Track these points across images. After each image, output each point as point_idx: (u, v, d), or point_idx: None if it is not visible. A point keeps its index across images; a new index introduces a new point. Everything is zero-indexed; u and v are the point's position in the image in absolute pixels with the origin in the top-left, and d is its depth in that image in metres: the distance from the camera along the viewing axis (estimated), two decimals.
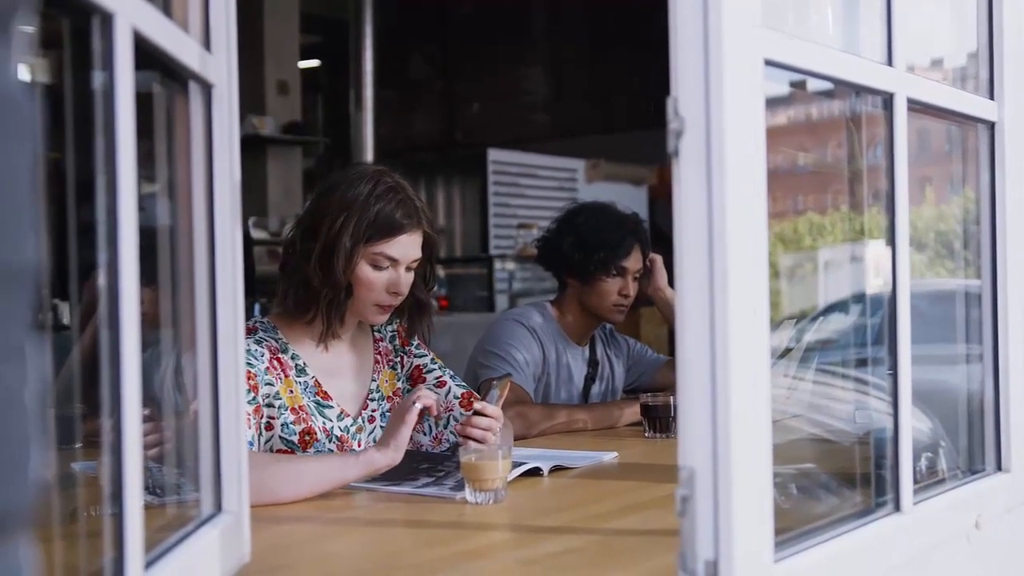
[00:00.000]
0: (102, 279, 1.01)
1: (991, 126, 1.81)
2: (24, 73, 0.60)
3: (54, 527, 1.13)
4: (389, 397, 2.37)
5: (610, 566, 1.51)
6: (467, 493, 1.87)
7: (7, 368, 0.57)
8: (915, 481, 1.54)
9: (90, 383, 1.12)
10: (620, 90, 9.14)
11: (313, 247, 2.17)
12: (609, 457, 2.36)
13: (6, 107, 0.57)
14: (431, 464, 2.15)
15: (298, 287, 2.20)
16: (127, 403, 1.01)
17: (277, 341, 2.22)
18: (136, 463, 1.02)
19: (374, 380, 2.35)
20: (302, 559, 1.61)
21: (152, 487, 1.36)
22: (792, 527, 1.34)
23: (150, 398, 1.17)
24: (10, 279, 0.57)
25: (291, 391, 2.19)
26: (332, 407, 2.24)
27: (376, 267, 2.19)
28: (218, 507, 1.37)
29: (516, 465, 2.05)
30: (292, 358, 2.23)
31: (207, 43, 1.35)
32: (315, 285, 2.17)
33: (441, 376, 2.41)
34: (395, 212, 2.18)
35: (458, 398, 2.36)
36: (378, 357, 2.38)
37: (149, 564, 1.09)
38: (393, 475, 2.05)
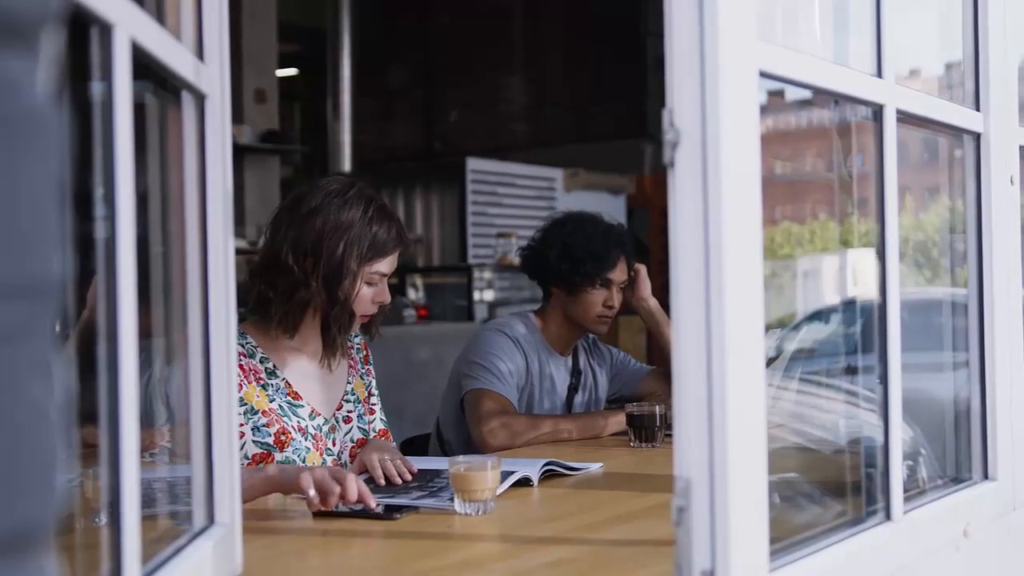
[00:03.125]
0: (100, 289, 1.00)
1: (977, 137, 1.82)
2: (50, 86, 0.59)
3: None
4: (364, 400, 2.45)
5: None
6: (456, 504, 1.87)
7: (35, 382, 0.57)
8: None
9: (78, 392, 1.11)
10: (599, 99, 9.17)
11: (309, 268, 2.23)
12: (596, 467, 2.35)
13: (34, 123, 0.57)
14: (421, 481, 2.14)
15: (297, 307, 2.25)
16: (124, 415, 1.00)
17: (244, 346, 2.26)
18: (134, 476, 1.01)
19: (349, 383, 2.42)
20: (292, 571, 1.60)
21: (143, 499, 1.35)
22: (785, 536, 1.34)
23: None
24: (38, 294, 0.57)
25: (257, 395, 2.23)
26: (303, 406, 2.29)
27: (370, 284, 2.29)
28: (211, 519, 1.36)
29: (506, 476, 2.04)
30: (261, 362, 2.27)
31: (200, 53, 1.34)
32: (317, 306, 2.26)
33: (375, 405, 2.51)
34: (390, 233, 2.29)
35: (375, 432, 2.44)
36: (351, 363, 2.46)
37: None
38: (386, 490, 2.04)
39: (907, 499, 1.57)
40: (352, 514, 1.87)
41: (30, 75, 0.57)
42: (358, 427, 2.40)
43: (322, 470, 1.87)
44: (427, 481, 2.13)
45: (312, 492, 1.81)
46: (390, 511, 1.87)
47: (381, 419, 2.51)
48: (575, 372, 3.16)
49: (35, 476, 0.57)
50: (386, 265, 2.30)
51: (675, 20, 1.17)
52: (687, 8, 1.16)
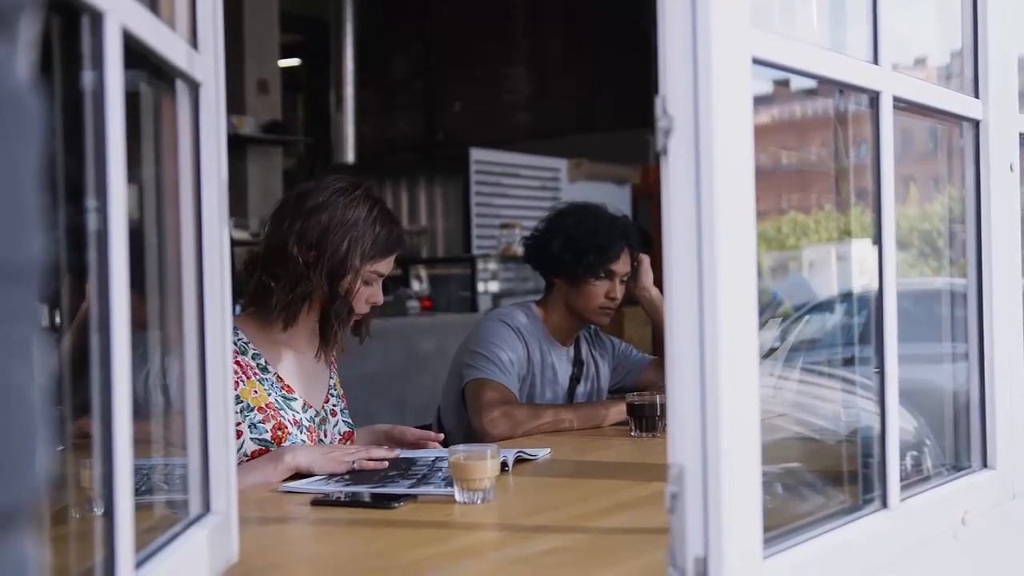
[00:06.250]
0: (92, 281, 1.00)
1: (976, 124, 1.82)
2: (29, 71, 0.60)
3: (42, 527, 1.12)
4: (343, 396, 2.50)
5: (600, 564, 1.51)
6: (455, 493, 1.87)
7: (15, 364, 0.57)
8: (901, 479, 1.55)
9: (75, 384, 1.12)
10: (602, 89, 9.16)
11: (312, 261, 2.25)
12: (543, 453, 2.37)
13: (12, 107, 0.57)
14: (400, 470, 2.13)
15: (297, 299, 2.27)
16: (117, 404, 1.01)
17: (236, 343, 2.28)
18: (126, 465, 1.02)
19: (332, 378, 2.47)
20: (289, 559, 1.61)
21: (139, 488, 1.36)
22: (781, 524, 1.34)
23: (135, 400, 1.17)
24: (17, 276, 0.57)
25: (255, 391, 2.26)
26: (296, 399, 2.33)
27: (366, 283, 2.33)
28: (206, 507, 1.37)
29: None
30: (253, 358, 2.30)
31: (194, 41, 1.34)
32: (316, 300, 2.29)
33: (343, 404, 2.51)
34: (391, 235, 2.33)
35: (340, 435, 2.45)
36: (332, 360, 2.49)
37: (139, 564, 1.09)
38: (374, 480, 2.04)
39: (905, 487, 1.57)
40: (350, 503, 1.88)
41: (9, 60, 0.57)
42: (343, 420, 2.46)
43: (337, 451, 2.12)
44: (406, 469, 2.13)
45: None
46: (388, 499, 1.87)
47: (345, 422, 2.53)
48: (577, 362, 3.16)
49: (14, 457, 0.57)
50: (385, 266, 2.34)
51: (667, 6, 1.17)
52: None
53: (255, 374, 2.27)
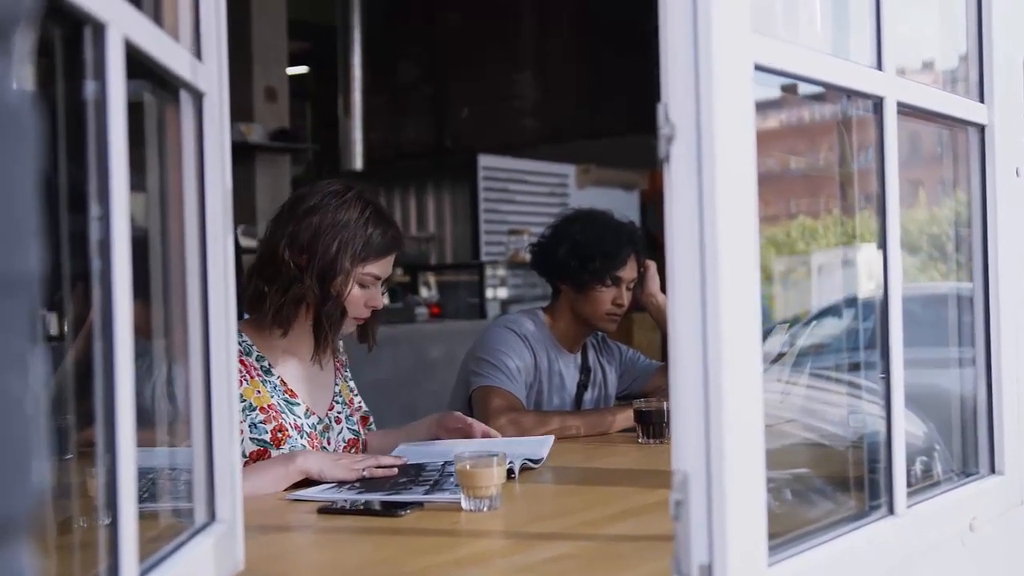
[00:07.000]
0: (95, 290, 1.00)
1: (981, 129, 1.81)
2: (25, 83, 0.60)
3: (48, 537, 1.13)
4: (349, 402, 2.48)
5: (605, 571, 1.50)
6: (462, 501, 1.87)
7: (10, 375, 0.57)
8: (909, 485, 1.55)
9: (82, 393, 1.12)
10: (610, 95, 9.15)
11: (304, 264, 2.26)
12: (548, 442, 2.41)
13: (8, 119, 0.57)
14: (410, 477, 2.13)
15: (290, 303, 2.27)
16: (120, 412, 1.01)
17: (240, 344, 2.28)
18: (130, 474, 1.02)
19: (336, 384, 2.46)
20: (295, 568, 1.61)
21: (142, 494, 1.36)
22: (786, 531, 1.34)
23: (142, 409, 1.17)
24: (13, 287, 0.58)
25: (258, 391, 2.27)
26: (299, 404, 2.33)
27: (362, 286, 2.32)
28: (212, 516, 1.37)
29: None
30: (257, 360, 2.30)
31: (198, 52, 1.35)
32: (310, 303, 2.29)
33: (348, 411, 2.49)
34: (385, 236, 2.32)
35: (344, 442, 2.44)
36: (338, 366, 2.50)
37: (143, 573, 1.09)
38: (385, 488, 2.04)
39: (912, 493, 1.56)
40: (357, 511, 1.88)
41: (4, 72, 0.58)
42: (347, 428, 2.45)
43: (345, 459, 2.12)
44: (416, 476, 2.13)
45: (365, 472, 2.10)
46: (395, 507, 1.87)
47: (354, 424, 2.52)
48: (585, 369, 3.16)
49: (11, 468, 0.57)
50: (379, 268, 2.32)
51: (668, 13, 1.17)
52: (681, 1, 1.16)
53: (258, 375, 2.28)
